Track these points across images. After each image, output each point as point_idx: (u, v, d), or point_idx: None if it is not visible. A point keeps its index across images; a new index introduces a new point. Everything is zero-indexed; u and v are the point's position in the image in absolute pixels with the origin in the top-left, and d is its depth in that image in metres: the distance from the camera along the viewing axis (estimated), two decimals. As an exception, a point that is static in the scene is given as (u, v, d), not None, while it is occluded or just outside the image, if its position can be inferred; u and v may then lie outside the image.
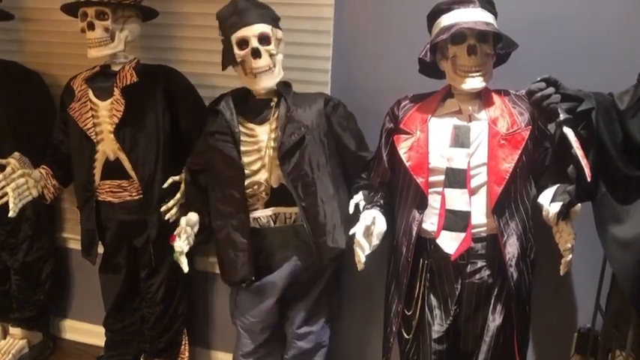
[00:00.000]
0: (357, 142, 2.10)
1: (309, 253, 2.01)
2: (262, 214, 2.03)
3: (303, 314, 2.16)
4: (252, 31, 1.92)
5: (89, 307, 2.83)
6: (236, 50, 1.94)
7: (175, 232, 2.06)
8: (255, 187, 2.00)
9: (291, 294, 2.15)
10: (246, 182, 1.99)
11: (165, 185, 2.24)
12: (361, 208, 1.93)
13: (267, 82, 1.95)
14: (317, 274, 2.11)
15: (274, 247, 2.08)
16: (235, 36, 1.93)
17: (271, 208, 2.03)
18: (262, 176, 1.99)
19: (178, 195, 2.24)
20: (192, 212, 2.12)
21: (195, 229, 2.09)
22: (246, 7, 1.94)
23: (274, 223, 2.04)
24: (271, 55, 1.94)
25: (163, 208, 2.21)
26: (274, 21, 1.99)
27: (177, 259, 2.01)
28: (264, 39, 1.92)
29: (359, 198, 1.99)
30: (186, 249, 2.02)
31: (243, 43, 1.93)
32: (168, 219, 2.21)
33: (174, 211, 2.22)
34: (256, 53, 1.91)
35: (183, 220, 2.07)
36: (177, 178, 2.25)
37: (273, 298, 2.12)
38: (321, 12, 2.26)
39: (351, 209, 1.94)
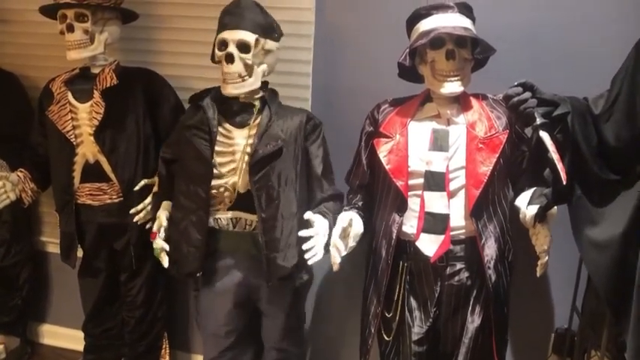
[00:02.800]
0: (323, 171, 2.05)
1: (262, 264, 1.97)
2: (223, 216, 2.00)
3: (276, 327, 2.13)
4: (232, 36, 1.89)
5: (68, 312, 2.81)
6: (216, 50, 1.94)
7: (155, 229, 2.04)
8: (222, 189, 1.97)
9: (261, 306, 2.12)
10: (213, 183, 1.96)
11: (137, 188, 2.22)
12: (315, 225, 1.82)
13: (233, 90, 1.92)
14: (281, 287, 2.05)
15: (229, 250, 2.05)
16: (219, 36, 1.93)
17: (233, 212, 2.00)
18: (231, 180, 1.96)
19: (148, 199, 2.22)
20: (167, 202, 2.11)
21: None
22: (239, 12, 1.92)
23: (234, 227, 2.01)
24: (246, 65, 1.90)
25: (132, 211, 2.20)
26: (267, 31, 1.94)
27: (159, 255, 2.01)
28: (242, 46, 1.89)
29: (315, 218, 1.86)
30: (167, 246, 2.01)
31: (223, 45, 1.91)
32: (137, 221, 2.20)
33: (142, 214, 2.21)
34: (229, 58, 1.89)
35: (163, 216, 2.05)
36: (149, 181, 2.24)
37: (229, 303, 2.08)
38: (301, 16, 2.27)
39: (306, 217, 1.85)
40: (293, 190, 1.99)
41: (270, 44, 1.96)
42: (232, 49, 1.89)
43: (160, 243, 2.01)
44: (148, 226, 2.23)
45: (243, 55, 1.90)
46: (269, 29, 1.96)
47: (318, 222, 1.85)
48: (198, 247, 1.98)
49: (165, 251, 2.01)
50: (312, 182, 2.06)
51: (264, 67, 1.96)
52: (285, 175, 1.97)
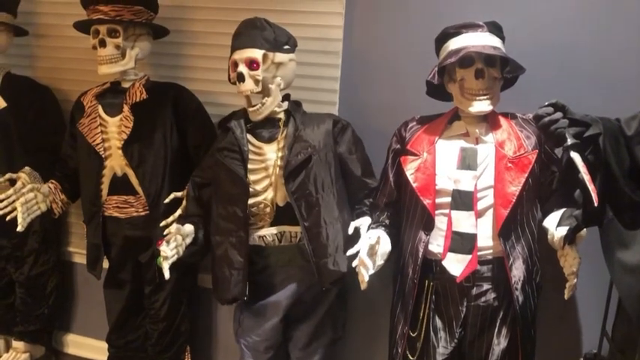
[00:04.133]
0: (362, 168, 2.09)
1: (312, 273, 2.00)
2: (268, 233, 2.03)
3: (307, 335, 2.14)
4: (240, 55, 1.94)
5: (93, 322, 2.84)
6: (230, 71, 1.99)
7: (165, 238, 2.03)
8: (262, 205, 2.00)
9: (295, 314, 2.14)
10: (251, 201, 1.99)
11: (167, 201, 2.24)
12: (362, 232, 1.91)
13: (257, 117, 1.97)
14: (321, 295, 2.10)
15: (278, 265, 2.08)
16: (230, 58, 1.98)
17: (277, 227, 2.03)
18: (268, 195, 2.00)
19: (178, 212, 2.23)
20: (189, 224, 2.11)
21: (188, 240, 2.06)
22: (244, 31, 1.96)
23: (279, 241, 2.04)
24: (257, 81, 1.94)
25: (162, 224, 2.20)
26: (275, 45, 1.96)
27: (160, 263, 1.96)
28: (251, 64, 1.93)
29: (360, 222, 1.96)
30: (171, 255, 1.94)
31: (234, 66, 1.96)
32: (167, 234, 2.20)
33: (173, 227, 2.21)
34: (240, 77, 1.94)
35: (174, 227, 2.04)
36: (179, 194, 2.25)
37: (277, 317, 2.11)
38: (330, 33, 2.29)
39: (351, 230, 1.92)
40: (331, 194, 2.01)
41: (280, 57, 1.97)
42: (242, 68, 1.93)
43: (164, 250, 1.95)
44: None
45: (253, 72, 1.93)
46: (278, 43, 1.98)
47: (363, 226, 1.94)
48: (240, 269, 2.00)
49: (168, 260, 1.95)
50: (353, 183, 2.10)
51: (278, 80, 1.98)
52: (321, 180, 1.99)
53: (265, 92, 1.97)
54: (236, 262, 2.00)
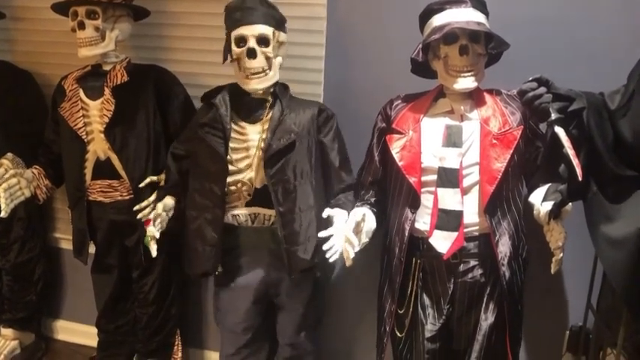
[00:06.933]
0: (340, 161, 2.07)
1: (281, 258, 1.98)
2: (241, 212, 2.01)
3: (293, 321, 2.14)
4: (252, 31, 1.90)
5: (82, 308, 2.83)
6: (233, 47, 1.93)
7: (151, 217, 2.05)
8: (239, 184, 1.98)
9: (279, 301, 2.13)
10: (230, 179, 1.97)
11: (142, 185, 2.22)
12: (334, 222, 1.85)
13: (257, 85, 1.93)
14: (301, 280, 2.08)
15: (248, 246, 2.06)
16: (235, 33, 1.93)
17: (251, 208, 2.01)
18: (247, 175, 1.98)
19: (153, 196, 2.21)
20: (170, 196, 2.11)
21: (170, 213, 2.09)
22: (252, 6, 1.92)
23: (252, 222, 2.02)
24: (267, 58, 1.92)
25: (136, 208, 2.20)
26: (279, 23, 1.96)
27: (148, 243, 2.01)
28: (262, 40, 1.91)
29: (334, 212, 1.89)
30: (157, 234, 2.01)
31: (242, 41, 1.92)
32: (141, 218, 2.19)
33: (146, 211, 2.19)
34: (251, 53, 1.90)
35: (160, 206, 2.05)
36: (155, 178, 2.24)
37: (249, 299, 2.10)
38: (313, 11, 2.27)
39: (325, 215, 1.87)
40: (309, 182, 1.99)
41: (282, 36, 1.98)
42: (253, 44, 1.90)
43: (151, 230, 2.00)
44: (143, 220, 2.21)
45: (265, 49, 1.91)
46: (280, 21, 1.98)
47: (337, 217, 1.86)
48: (213, 245, 1.99)
49: (156, 239, 2.01)
50: (330, 174, 2.07)
51: (279, 59, 1.97)
52: (301, 168, 1.97)
53: (269, 68, 1.95)
54: (210, 238, 1.99)
